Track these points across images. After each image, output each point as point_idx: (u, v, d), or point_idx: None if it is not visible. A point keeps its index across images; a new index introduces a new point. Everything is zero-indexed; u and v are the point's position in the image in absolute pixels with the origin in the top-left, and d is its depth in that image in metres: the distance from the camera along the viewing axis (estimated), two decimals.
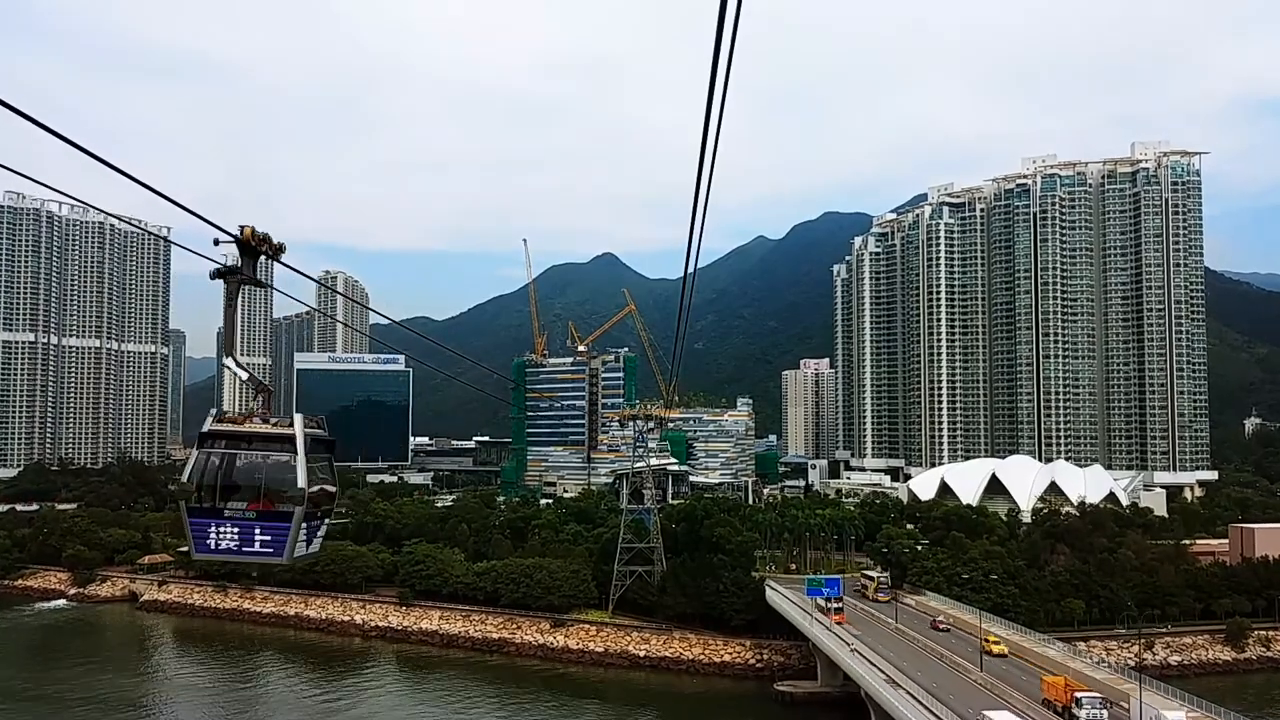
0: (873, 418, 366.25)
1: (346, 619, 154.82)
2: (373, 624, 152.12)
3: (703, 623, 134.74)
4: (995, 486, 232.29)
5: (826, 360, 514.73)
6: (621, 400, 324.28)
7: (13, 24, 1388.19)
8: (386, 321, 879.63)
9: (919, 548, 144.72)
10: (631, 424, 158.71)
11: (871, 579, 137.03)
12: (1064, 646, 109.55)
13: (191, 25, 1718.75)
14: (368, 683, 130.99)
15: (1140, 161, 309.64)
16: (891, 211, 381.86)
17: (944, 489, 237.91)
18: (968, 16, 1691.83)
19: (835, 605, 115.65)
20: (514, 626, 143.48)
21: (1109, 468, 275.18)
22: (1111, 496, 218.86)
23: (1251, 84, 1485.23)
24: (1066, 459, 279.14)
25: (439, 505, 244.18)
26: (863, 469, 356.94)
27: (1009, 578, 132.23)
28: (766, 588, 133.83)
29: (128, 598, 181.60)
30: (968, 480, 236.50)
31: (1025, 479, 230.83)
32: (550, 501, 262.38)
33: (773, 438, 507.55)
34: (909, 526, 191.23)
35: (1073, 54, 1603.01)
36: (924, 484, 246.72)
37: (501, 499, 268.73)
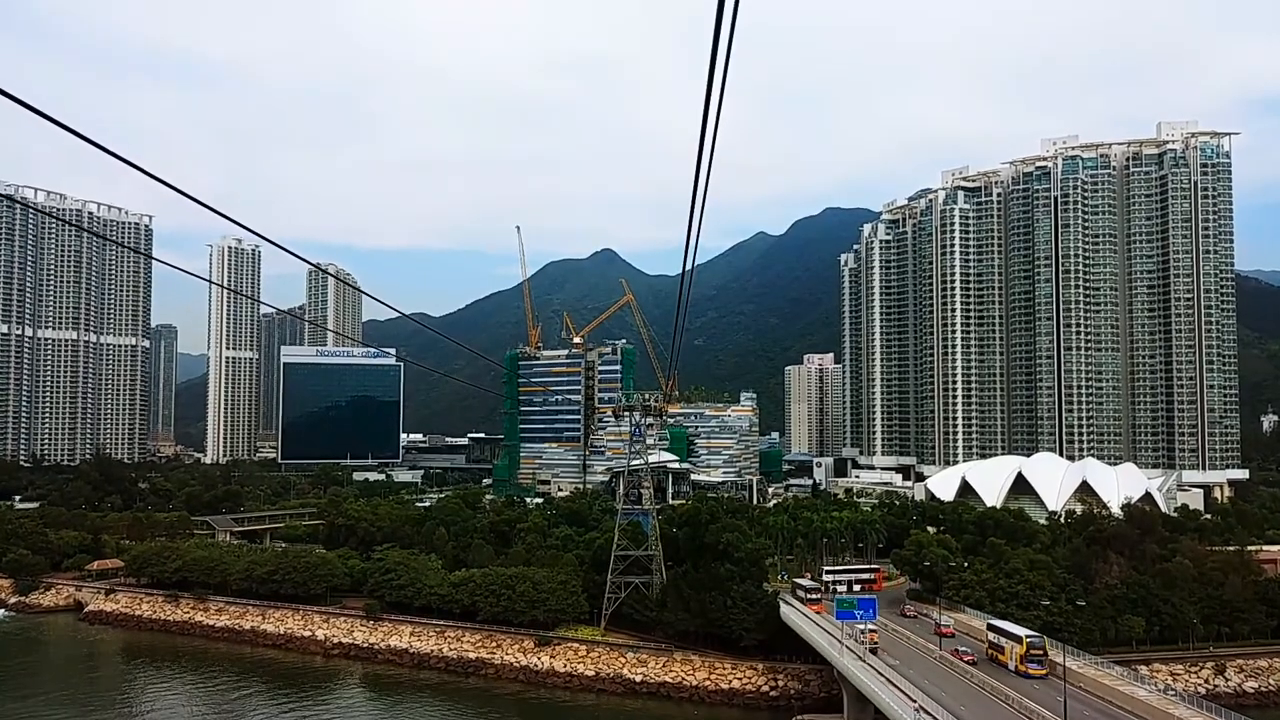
0: (882, 413, 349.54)
1: (307, 634, 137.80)
2: (336, 640, 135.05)
3: (708, 642, 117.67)
4: (1021, 486, 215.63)
5: (831, 355, 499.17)
6: (619, 395, 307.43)
7: (13, 22, 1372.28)
8: (379, 318, 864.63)
9: (956, 560, 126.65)
10: (627, 416, 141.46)
11: (1016, 638, 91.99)
12: (1124, 671, 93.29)
13: (192, 24, 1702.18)
14: (326, 709, 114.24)
15: (1167, 143, 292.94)
16: (904, 198, 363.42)
17: (965, 488, 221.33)
18: (969, 16, 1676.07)
19: (814, 596, 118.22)
20: (493, 645, 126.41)
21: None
22: (1148, 497, 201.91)
23: (1253, 83, 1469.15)
24: (1089, 457, 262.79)
25: (420, 505, 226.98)
26: (872, 467, 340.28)
27: (1059, 591, 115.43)
28: (781, 603, 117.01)
29: (73, 607, 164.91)
30: (991, 479, 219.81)
31: (1053, 478, 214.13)
32: (541, 501, 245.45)
33: (775, 435, 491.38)
34: (930, 530, 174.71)
35: (1072, 54, 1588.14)
36: (943, 483, 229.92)
37: (489, 498, 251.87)
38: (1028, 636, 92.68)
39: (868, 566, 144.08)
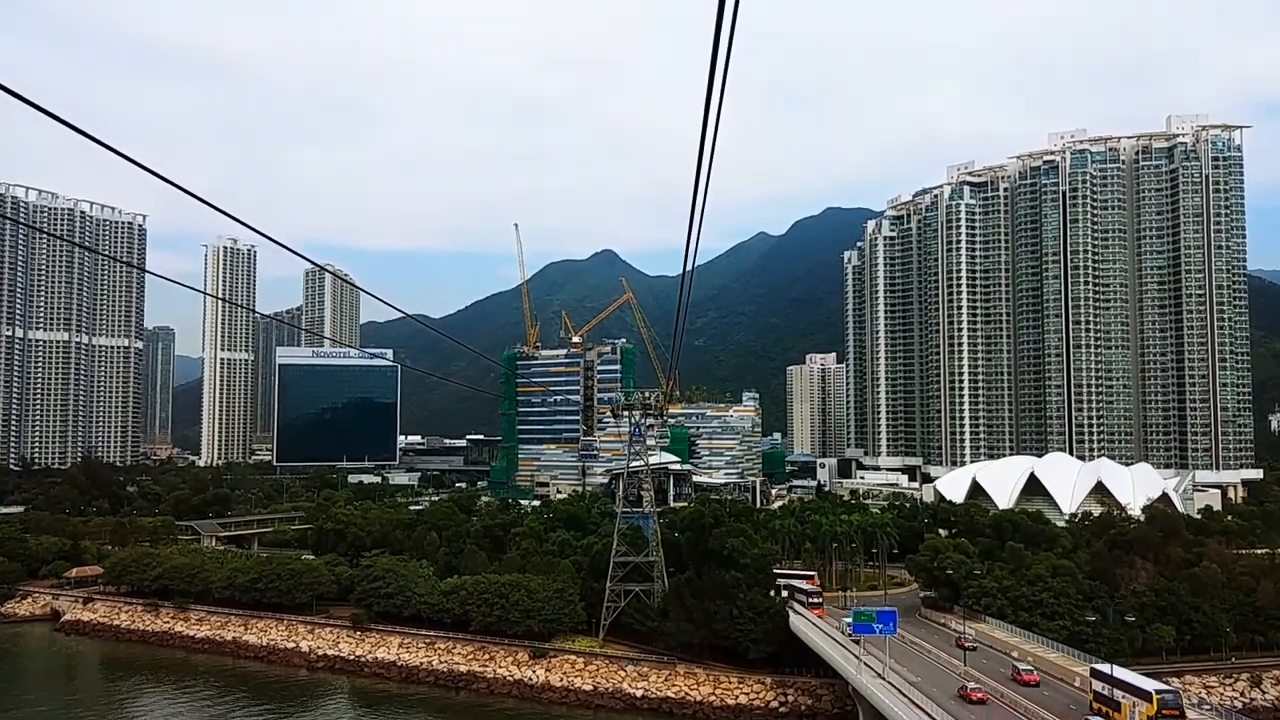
0: (888, 413, 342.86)
1: (291, 646, 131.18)
2: (321, 652, 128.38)
3: (713, 654, 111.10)
4: (1033, 487, 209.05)
5: (834, 355, 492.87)
6: (618, 395, 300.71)
7: (13, 17, 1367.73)
8: (379, 319, 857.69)
9: (978, 568, 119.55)
10: (626, 416, 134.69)
11: (1142, 693, 72.64)
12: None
13: (190, 21, 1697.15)
14: None
15: (1177, 136, 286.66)
16: (908, 194, 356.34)
17: (975, 490, 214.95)
18: (970, 17, 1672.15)
19: (815, 600, 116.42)
20: (486, 657, 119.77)
21: None
22: (1165, 498, 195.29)
23: (1254, 85, 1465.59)
24: (1102, 457, 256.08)
25: (413, 509, 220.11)
26: (877, 468, 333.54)
27: (1085, 600, 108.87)
28: (790, 612, 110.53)
29: (50, 617, 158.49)
30: (1002, 480, 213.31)
31: (1067, 479, 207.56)
32: (538, 504, 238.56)
33: (777, 436, 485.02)
34: (942, 533, 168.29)
35: (1074, 55, 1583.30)
36: (953, 484, 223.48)
37: (485, 501, 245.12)
38: (1159, 692, 71.82)
39: (803, 572, 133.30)
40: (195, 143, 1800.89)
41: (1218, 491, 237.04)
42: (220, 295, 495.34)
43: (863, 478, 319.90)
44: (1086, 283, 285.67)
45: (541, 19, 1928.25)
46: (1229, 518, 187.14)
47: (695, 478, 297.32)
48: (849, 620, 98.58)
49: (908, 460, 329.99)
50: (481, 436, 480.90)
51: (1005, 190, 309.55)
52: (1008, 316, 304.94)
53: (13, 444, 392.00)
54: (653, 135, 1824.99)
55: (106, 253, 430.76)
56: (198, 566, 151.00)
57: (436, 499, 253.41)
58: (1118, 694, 75.02)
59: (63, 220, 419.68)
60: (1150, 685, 74.06)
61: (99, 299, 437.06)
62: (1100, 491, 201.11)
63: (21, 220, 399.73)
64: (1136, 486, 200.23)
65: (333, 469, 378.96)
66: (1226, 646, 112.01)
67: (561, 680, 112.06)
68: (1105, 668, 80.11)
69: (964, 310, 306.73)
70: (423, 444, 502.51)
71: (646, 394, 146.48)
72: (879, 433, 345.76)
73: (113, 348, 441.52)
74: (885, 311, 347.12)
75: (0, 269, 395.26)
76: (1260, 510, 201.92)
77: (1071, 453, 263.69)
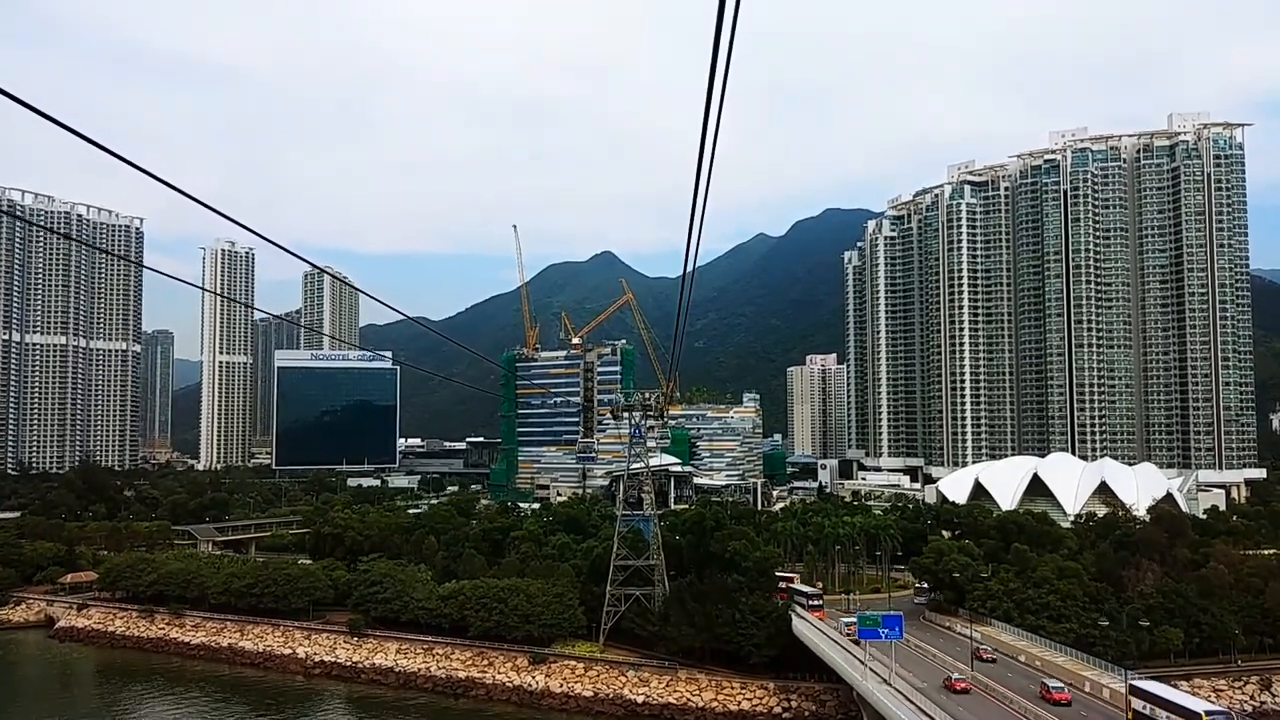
0: (889, 414, 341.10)
1: (287, 652, 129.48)
2: (317, 658, 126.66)
3: (715, 659, 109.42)
4: (1036, 488, 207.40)
5: (834, 356, 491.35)
6: (618, 396, 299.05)
7: (12, 20, 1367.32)
8: (378, 322, 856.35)
9: (984, 571, 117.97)
10: (626, 416, 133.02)
11: (1190, 714, 67.75)
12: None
13: (192, 24, 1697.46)
14: None
15: (1179, 134, 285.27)
16: (909, 194, 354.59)
17: (978, 490, 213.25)
18: (970, 18, 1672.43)
19: (815, 603, 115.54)
20: (485, 663, 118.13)
21: None
22: (1169, 498, 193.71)
23: (1254, 84, 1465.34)
24: (1105, 457, 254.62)
25: (412, 512, 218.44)
26: (878, 469, 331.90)
27: (1092, 603, 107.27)
28: (793, 615, 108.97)
29: (44, 623, 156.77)
30: (1005, 481, 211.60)
31: (1070, 480, 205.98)
32: (538, 507, 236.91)
33: (777, 437, 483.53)
34: (945, 535, 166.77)
35: (1074, 55, 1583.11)
36: (955, 485, 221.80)
37: (484, 504, 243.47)
38: (1210, 714, 66.45)
39: (786, 574, 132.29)
40: (195, 144, 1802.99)
41: (1221, 491, 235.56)
42: (221, 293, 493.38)
43: (864, 479, 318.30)
44: (1088, 282, 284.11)
45: (541, 19, 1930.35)
46: (1234, 518, 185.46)
47: (696, 480, 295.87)
48: (848, 620, 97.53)
49: (909, 461, 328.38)
50: (481, 439, 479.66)
51: (1006, 189, 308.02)
52: (1009, 316, 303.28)
53: (10, 448, 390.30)
54: (653, 135, 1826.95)
55: (107, 249, 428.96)
56: (193, 572, 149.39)
57: (435, 502, 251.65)
58: (1160, 714, 68.87)
59: (59, 223, 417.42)
60: (1199, 705, 68.35)
61: (97, 302, 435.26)
62: (1104, 492, 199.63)
63: (21, 216, 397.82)
64: (1140, 487, 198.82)
65: (332, 472, 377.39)
66: (1235, 649, 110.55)
67: (561, 686, 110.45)
68: (1146, 684, 74.46)
69: (965, 310, 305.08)
70: (423, 447, 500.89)
71: (646, 395, 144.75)
72: (880, 433, 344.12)
73: (111, 351, 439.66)
74: (886, 312, 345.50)
75: None
76: (1266, 510, 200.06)
77: (1074, 453, 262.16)
